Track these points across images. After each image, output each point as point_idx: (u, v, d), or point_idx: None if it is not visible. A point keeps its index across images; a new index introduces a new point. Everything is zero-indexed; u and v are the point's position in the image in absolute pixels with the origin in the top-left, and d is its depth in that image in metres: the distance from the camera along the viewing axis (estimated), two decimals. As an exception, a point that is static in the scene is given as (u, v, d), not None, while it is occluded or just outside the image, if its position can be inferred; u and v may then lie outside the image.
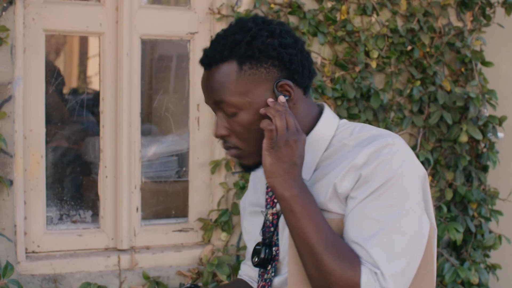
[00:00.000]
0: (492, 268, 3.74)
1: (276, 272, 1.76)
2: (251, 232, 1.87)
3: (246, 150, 1.70)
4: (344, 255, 1.56)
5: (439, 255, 3.54)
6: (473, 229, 3.65)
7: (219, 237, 3.28)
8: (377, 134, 1.66)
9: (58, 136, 3.29)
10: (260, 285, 1.78)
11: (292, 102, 1.69)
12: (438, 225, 3.42)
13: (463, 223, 3.62)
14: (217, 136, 1.71)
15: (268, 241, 1.76)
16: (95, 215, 3.24)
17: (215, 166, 3.24)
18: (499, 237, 3.72)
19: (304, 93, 1.73)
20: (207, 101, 1.73)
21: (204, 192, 3.32)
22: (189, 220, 3.32)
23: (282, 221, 1.74)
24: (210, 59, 1.69)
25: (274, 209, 1.75)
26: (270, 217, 1.76)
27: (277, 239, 1.75)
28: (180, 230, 3.30)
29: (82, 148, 3.35)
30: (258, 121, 1.66)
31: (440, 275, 3.46)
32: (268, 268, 1.76)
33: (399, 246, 1.56)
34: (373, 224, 1.56)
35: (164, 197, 3.40)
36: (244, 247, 3.27)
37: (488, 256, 3.77)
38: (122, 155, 3.12)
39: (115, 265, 3.11)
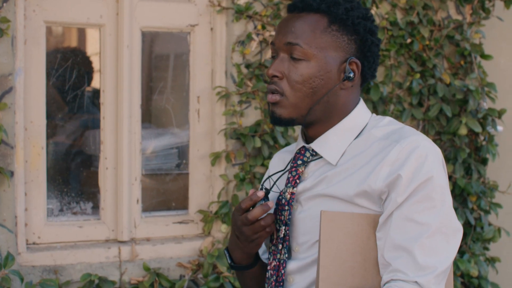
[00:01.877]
0: (492, 261, 3.75)
1: (290, 255, 1.77)
2: None
3: (289, 99, 1.70)
4: None
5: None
6: (472, 222, 3.66)
7: (219, 229, 3.28)
8: (405, 130, 1.68)
9: (58, 127, 3.29)
10: (273, 264, 1.79)
11: (352, 83, 1.72)
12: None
13: (463, 216, 3.62)
14: (270, 74, 1.71)
15: (283, 219, 1.77)
16: (96, 206, 3.24)
17: (215, 158, 3.25)
18: (499, 229, 3.73)
19: (361, 84, 1.78)
20: (277, 39, 1.73)
21: (204, 184, 3.33)
22: (189, 212, 3.33)
23: (302, 204, 1.75)
24: (306, 5, 1.72)
25: (295, 188, 1.76)
26: (288, 196, 1.76)
27: (289, 219, 1.76)
28: (180, 222, 3.31)
29: (83, 140, 3.36)
30: (317, 79, 1.68)
31: (439, 267, 3.46)
32: (280, 248, 1.77)
33: (442, 246, 1.59)
34: (416, 227, 1.59)
35: (165, 189, 3.41)
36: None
37: (487, 249, 3.78)
38: (122, 146, 3.13)
39: (116, 256, 3.11)
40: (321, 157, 1.75)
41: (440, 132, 3.67)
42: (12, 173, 2.89)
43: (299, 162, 1.78)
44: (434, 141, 3.66)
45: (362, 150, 1.70)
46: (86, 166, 3.33)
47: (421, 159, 1.61)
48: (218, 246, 3.25)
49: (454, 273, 3.53)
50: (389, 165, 1.62)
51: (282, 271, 1.76)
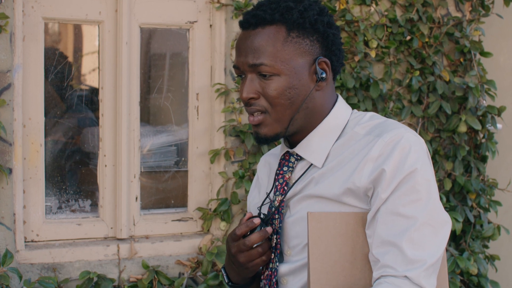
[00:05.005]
0: (491, 258, 3.74)
1: (282, 259, 1.75)
2: None
3: (272, 116, 1.67)
4: None
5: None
6: (472, 220, 3.65)
7: (218, 227, 3.27)
8: (387, 124, 1.66)
9: (57, 124, 3.28)
10: (266, 273, 1.77)
11: (325, 82, 1.69)
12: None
13: (462, 214, 3.62)
14: (244, 98, 1.67)
15: (266, 219, 1.74)
16: (94, 204, 3.23)
17: (214, 155, 3.24)
18: (498, 227, 3.72)
19: (333, 78, 1.75)
20: (239, 62, 1.69)
21: (203, 181, 3.32)
22: (188, 210, 3.32)
23: (290, 208, 1.73)
24: (258, 19, 1.66)
25: (283, 196, 1.73)
26: (277, 203, 1.73)
27: (280, 227, 1.73)
28: (179, 220, 3.30)
29: (81, 137, 3.34)
30: (292, 90, 1.65)
31: (439, 265, 3.46)
32: (272, 257, 1.74)
33: (430, 239, 1.57)
34: (403, 221, 1.57)
35: (164, 187, 3.40)
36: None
37: (487, 246, 3.77)
38: (121, 144, 3.11)
39: (115, 254, 3.10)
40: (306, 160, 1.73)
41: (440, 129, 3.66)
42: (10, 170, 2.88)
43: (285, 168, 1.75)
44: (434, 138, 3.65)
45: (345, 149, 1.67)
46: (85, 164, 3.32)
47: (404, 152, 1.59)
48: (217, 243, 3.24)
49: (454, 271, 3.52)
50: (373, 161, 1.60)
51: (274, 280, 1.74)
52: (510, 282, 4.17)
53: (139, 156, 3.19)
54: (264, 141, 1.71)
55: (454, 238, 3.71)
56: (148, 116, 3.46)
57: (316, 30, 1.67)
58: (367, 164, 1.60)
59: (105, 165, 3.13)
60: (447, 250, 3.49)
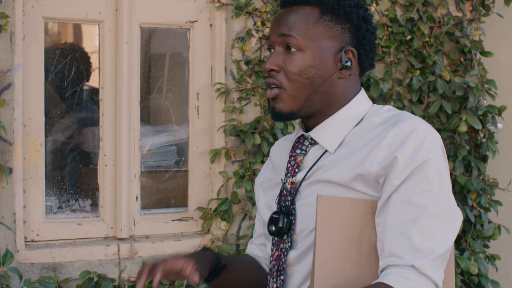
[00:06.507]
0: (491, 258, 3.74)
1: (292, 244, 1.75)
2: (267, 203, 1.86)
3: (288, 92, 1.70)
4: None
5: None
6: (472, 219, 3.65)
7: (219, 226, 3.27)
8: (403, 115, 1.67)
9: (57, 124, 3.28)
10: (275, 254, 1.77)
11: (349, 72, 1.71)
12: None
13: (463, 213, 3.61)
14: (267, 68, 1.71)
15: (286, 209, 1.75)
16: (95, 204, 3.23)
17: (214, 155, 3.23)
18: (498, 227, 3.72)
19: (360, 73, 1.77)
20: (271, 32, 1.74)
21: (203, 181, 3.32)
22: (188, 209, 3.32)
23: (300, 192, 1.74)
24: None
25: (294, 178, 1.74)
26: (289, 186, 1.75)
27: (294, 209, 1.74)
28: (179, 219, 3.29)
29: (82, 137, 3.34)
30: (313, 69, 1.68)
31: (439, 264, 3.45)
32: (284, 238, 1.75)
33: (440, 229, 1.57)
34: (414, 209, 1.57)
35: (164, 186, 3.40)
36: (244, 236, 3.26)
37: (487, 246, 3.77)
38: (121, 143, 3.11)
39: (115, 254, 3.10)
40: (320, 145, 1.74)
41: (440, 129, 3.66)
42: (10, 170, 2.88)
43: (298, 151, 1.76)
44: (434, 138, 3.65)
45: (360, 137, 1.68)
46: (85, 163, 3.32)
47: (418, 141, 1.59)
48: (217, 243, 3.24)
49: (454, 271, 3.51)
50: (386, 148, 1.60)
51: (283, 260, 1.75)
52: (511, 282, 4.17)
53: (139, 156, 3.19)
54: (279, 117, 1.73)
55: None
56: (149, 115, 3.46)
57: (350, 19, 1.70)
58: (380, 150, 1.61)
59: (105, 165, 3.13)
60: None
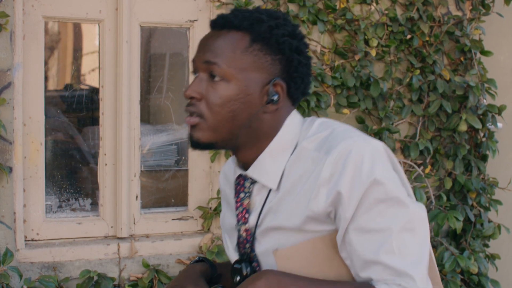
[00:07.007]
0: (491, 257, 3.74)
1: None
2: (235, 248, 1.76)
3: (208, 123, 1.58)
4: None
5: (439, 244, 3.53)
6: (472, 219, 3.65)
7: (219, 226, 3.27)
8: (334, 136, 1.57)
9: (57, 123, 3.28)
10: None
11: (276, 106, 1.60)
12: (438, 214, 3.42)
13: (463, 212, 3.61)
14: (187, 95, 1.59)
15: (246, 257, 1.67)
16: (95, 203, 3.23)
17: (214, 154, 3.23)
18: (498, 226, 3.72)
19: (293, 104, 1.66)
20: (196, 57, 1.62)
21: (203, 180, 3.32)
22: (188, 209, 3.32)
23: (257, 239, 1.66)
24: (226, 22, 1.60)
25: (247, 225, 1.66)
26: (244, 234, 1.67)
27: (255, 255, 1.66)
28: (179, 219, 3.29)
29: (82, 136, 3.34)
30: (237, 102, 1.57)
31: (440, 264, 3.46)
32: None
33: (411, 242, 1.49)
34: (376, 236, 1.49)
35: (164, 186, 3.40)
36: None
37: (487, 245, 3.77)
38: (121, 143, 3.11)
39: (115, 253, 3.10)
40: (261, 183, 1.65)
41: (440, 128, 3.66)
42: (10, 169, 2.88)
43: (242, 195, 1.67)
44: (434, 137, 3.65)
45: (298, 168, 1.58)
46: (85, 163, 3.32)
47: (357, 165, 1.49)
48: (217, 242, 3.24)
49: (454, 270, 3.51)
50: (326, 184, 1.51)
51: None
52: (511, 281, 4.17)
53: (139, 155, 3.19)
54: (197, 146, 1.61)
55: (455, 237, 3.71)
56: (149, 115, 3.46)
57: (281, 50, 1.59)
58: (321, 188, 1.51)
59: (106, 164, 3.13)
60: (447, 249, 3.49)
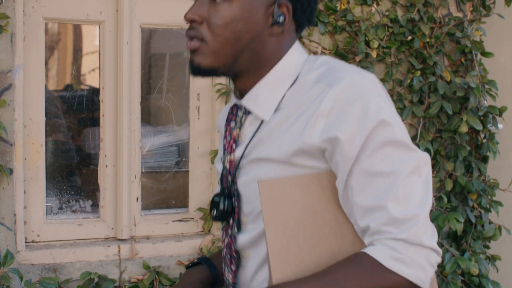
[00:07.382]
0: (492, 259, 3.74)
1: (239, 228, 1.59)
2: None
3: (210, 46, 1.50)
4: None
5: (439, 245, 3.53)
6: (473, 220, 3.64)
7: (220, 227, 3.27)
8: (338, 70, 1.48)
9: (58, 125, 3.27)
10: (226, 241, 1.62)
11: (282, 28, 1.52)
12: (438, 215, 3.41)
13: (463, 214, 3.61)
14: (187, 18, 1.51)
15: (227, 191, 1.58)
16: (95, 204, 3.23)
17: (215, 155, 3.23)
18: (499, 228, 3.71)
19: (296, 30, 1.58)
20: None
21: (204, 181, 3.31)
22: (189, 210, 3.32)
23: (240, 171, 1.56)
24: None
25: (232, 155, 1.57)
26: (228, 165, 1.58)
27: (236, 189, 1.57)
28: (180, 220, 3.29)
29: (82, 138, 3.34)
30: (241, 23, 1.49)
31: (440, 265, 3.45)
32: (231, 223, 1.59)
33: (417, 189, 1.41)
34: (382, 180, 1.40)
35: (164, 187, 3.39)
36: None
37: (488, 247, 3.77)
38: (122, 144, 3.11)
39: (115, 254, 3.10)
40: (255, 114, 1.56)
41: (441, 129, 3.66)
42: (11, 171, 2.87)
43: (232, 124, 1.59)
44: (435, 138, 3.65)
45: (295, 99, 1.50)
46: (86, 164, 3.31)
47: (363, 103, 1.41)
48: (218, 244, 3.24)
49: (455, 272, 3.51)
50: (324, 117, 1.42)
51: (233, 248, 1.59)
52: (511, 283, 4.16)
53: (139, 157, 3.19)
54: (198, 71, 1.53)
55: (455, 239, 3.70)
56: (149, 116, 3.46)
57: None
58: (318, 120, 1.43)
59: (106, 166, 3.13)
60: (448, 250, 3.49)
